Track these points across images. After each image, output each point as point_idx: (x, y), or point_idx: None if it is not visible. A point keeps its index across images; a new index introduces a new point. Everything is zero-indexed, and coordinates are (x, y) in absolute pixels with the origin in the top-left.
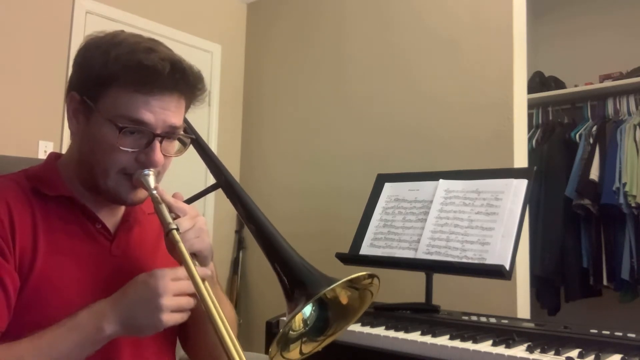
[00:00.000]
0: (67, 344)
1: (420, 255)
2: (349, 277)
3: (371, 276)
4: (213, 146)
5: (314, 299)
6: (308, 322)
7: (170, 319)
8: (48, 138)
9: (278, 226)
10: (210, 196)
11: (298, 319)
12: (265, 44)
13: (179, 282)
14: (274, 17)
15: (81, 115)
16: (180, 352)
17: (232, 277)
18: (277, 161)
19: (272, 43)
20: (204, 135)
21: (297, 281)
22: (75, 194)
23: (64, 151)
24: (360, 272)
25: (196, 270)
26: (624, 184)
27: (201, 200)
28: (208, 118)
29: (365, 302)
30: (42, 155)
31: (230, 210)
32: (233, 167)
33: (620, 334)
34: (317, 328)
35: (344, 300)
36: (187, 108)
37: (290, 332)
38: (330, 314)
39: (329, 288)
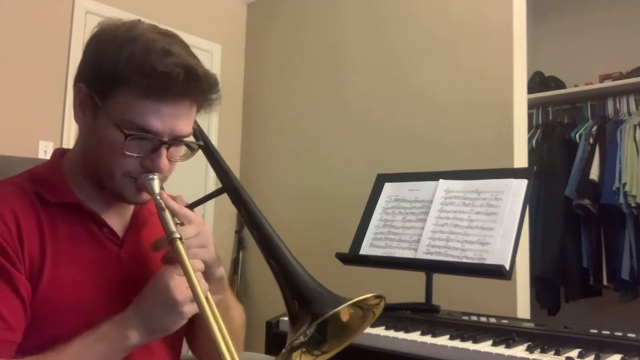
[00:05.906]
0: (94, 355)
1: (420, 255)
2: (358, 299)
3: (378, 297)
4: None
5: (319, 320)
6: (307, 333)
7: (191, 309)
8: (48, 138)
9: (277, 226)
10: None
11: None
12: (265, 44)
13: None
14: (274, 17)
15: (88, 110)
16: (183, 350)
17: (232, 277)
18: (277, 161)
19: (272, 43)
20: None
21: (303, 299)
22: (80, 197)
23: None
24: (369, 294)
25: (198, 281)
26: (624, 184)
27: None
28: (208, 118)
29: (366, 322)
30: (42, 155)
31: (230, 211)
32: (233, 167)
33: (620, 334)
34: (314, 340)
35: (345, 317)
36: (198, 112)
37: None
38: (329, 330)
39: (335, 310)
